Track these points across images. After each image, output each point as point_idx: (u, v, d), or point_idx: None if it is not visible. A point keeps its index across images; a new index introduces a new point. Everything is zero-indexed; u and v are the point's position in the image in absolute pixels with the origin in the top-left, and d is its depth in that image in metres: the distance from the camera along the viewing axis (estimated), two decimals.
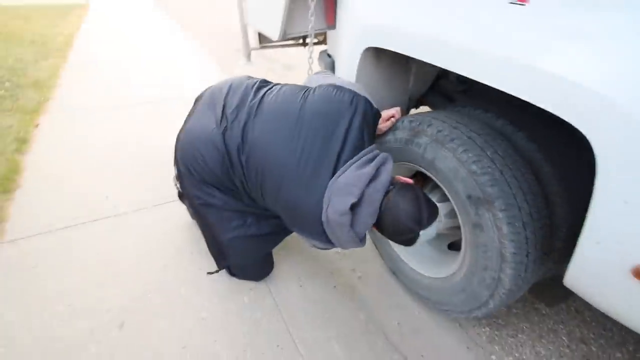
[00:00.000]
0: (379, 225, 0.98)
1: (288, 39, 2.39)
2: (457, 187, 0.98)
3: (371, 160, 0.97)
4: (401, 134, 1.14)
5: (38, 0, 7.76)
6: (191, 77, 3.53)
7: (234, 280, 1.34)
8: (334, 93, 1.03)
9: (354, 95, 1.02)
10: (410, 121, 1.13)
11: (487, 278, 0.99)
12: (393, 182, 0.97)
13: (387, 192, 0.94)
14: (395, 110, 1.20)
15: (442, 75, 1.52)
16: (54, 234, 1.53)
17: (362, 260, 1.52)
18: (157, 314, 1.22)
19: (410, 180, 1.04)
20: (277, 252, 1.44)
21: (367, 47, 1.23)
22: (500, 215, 0.90)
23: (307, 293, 1.34)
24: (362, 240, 0.98)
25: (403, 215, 0.92)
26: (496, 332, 1.27)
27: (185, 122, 1.19)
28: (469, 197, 0.96)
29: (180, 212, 1.63)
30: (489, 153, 0.95)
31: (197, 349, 1.12)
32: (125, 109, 2.75)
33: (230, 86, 1.15)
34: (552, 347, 1.23)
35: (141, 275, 1.36)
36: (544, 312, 1.35)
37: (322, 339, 1.18)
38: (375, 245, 1.49)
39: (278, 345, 1.14)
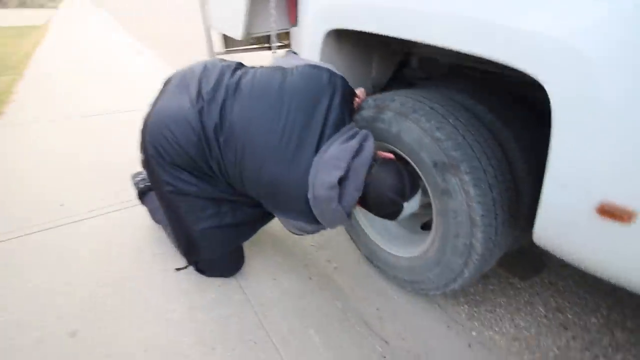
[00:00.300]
0: (363, 200, 0.98)
1: (252, 41, 2.39)
2: (423, 157, 0.97)
3: (353, 136, 0.98)
4: (367, 113, 1.13)
5: None
6: (150, 88, 3.45)
7: (201, 278, 1.26)
8: (312, 72, 1.03)
9: (332, 74, 1.03)
10: (375, 99, 1.13)
11: (460, 245, 0.97)
12: (375, 158, 0.98)
13: (370, 167, 0.94)
14: (359, 91, 1.19)
15: (404, 63, 1.55)
16: (3, 244, 1.39)
17: (338, 252, 1.48)
18: (115, 318, 1.11)
19: (391, 155, 1.04)
20: (249, 248, 1.37)
21: (327, 30, 1.23)
22: (466, 178, 0.90)
23: (282, 286, 1.27)
24: (349, 216, 0.98)
25: (386, 188, 0.94)
26: (475, 309, 1.25)
27: (154, 104, 1.10)
28: (435, 164, 0.95)
29: (141, 215, 1.54)
30: (451, 120, 0.95)
31: (161, 350, 1.02)
32: (80, 120, 2.66)
33: (204, 67, 1.09)
34: (530, 318, 1.22)
35: (96, 280, 1.25)
36: (518, 286, 1.36)
37: (298, 330, 1.11)
38: (351, 236, 1.46)
39: (250, 340, 1.07)
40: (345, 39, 1.31)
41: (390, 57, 1.53)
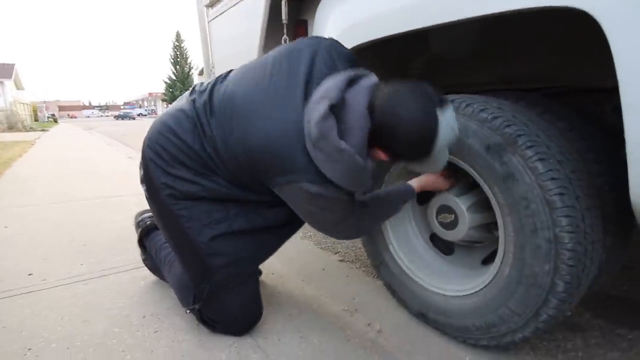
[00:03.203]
0: (380, 133, 0.85)
1: None
2: (472, 144, 0.99)
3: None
4: None
5: None
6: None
7: (207, 337, 1.11)
8: (298, 39, 1.11)
9: (318, 36, 1.12)
10: None
11: (542, 242, 0.90)
12: None
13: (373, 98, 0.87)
14: None
15: None
16: None
17: (379, 314, 1.33)
18: None
19: None
20: (265, 308, 1.25)
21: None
22: (529, 153, 0.90)
23: (312, 344, 1.11)
24: (365, 159, 0.87)
25: (407, 101, 0.82)
26: None
27: None
28: (488, 147, 0.96)
29: (128, 281, 1.48)
30: (494, 104, 1.01)
31: None
32: (56, 205, 2.83)
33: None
34: None
35: (68, 344, 1.12)
36: (630, 337, 1.18)
37: None
38: (394, 290, 1.34)
39: None
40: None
41: None
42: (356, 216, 1.06)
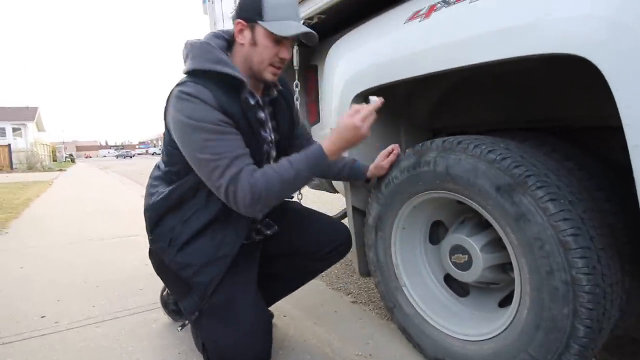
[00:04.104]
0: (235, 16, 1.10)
1: None
2: (481, 184, 1.01)
3: None
4: (406, 162, 1.22)
5: (4, 179, 8.81)
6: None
7: None
8: None
9: None
10: (413, 148, 1.24)
11: (558, 284, 0.88)
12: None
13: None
14: (394, 145, 1.33)
15: (438, 132, 1.74)
16: None
17: (393, 359, 1.30)
18: None
19: None
20: (277, 352, 1.23)
21: (355, 94, 1.44)
22: (539, 193, 0.91)
23: None
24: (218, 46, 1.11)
25: None
26: None
27: None
28: (498, 188, 0.97)
29: (138, 324, 1.49)
30: (502, 144, 1.04)
31: None
32: (70, 246, 2.89)
33: None
34: None
35: None
36: None
37: None
38: (410, 335, 1.31)
39: None
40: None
41: (417, 134, 1.74)
42: (247, 171, 1.02)
